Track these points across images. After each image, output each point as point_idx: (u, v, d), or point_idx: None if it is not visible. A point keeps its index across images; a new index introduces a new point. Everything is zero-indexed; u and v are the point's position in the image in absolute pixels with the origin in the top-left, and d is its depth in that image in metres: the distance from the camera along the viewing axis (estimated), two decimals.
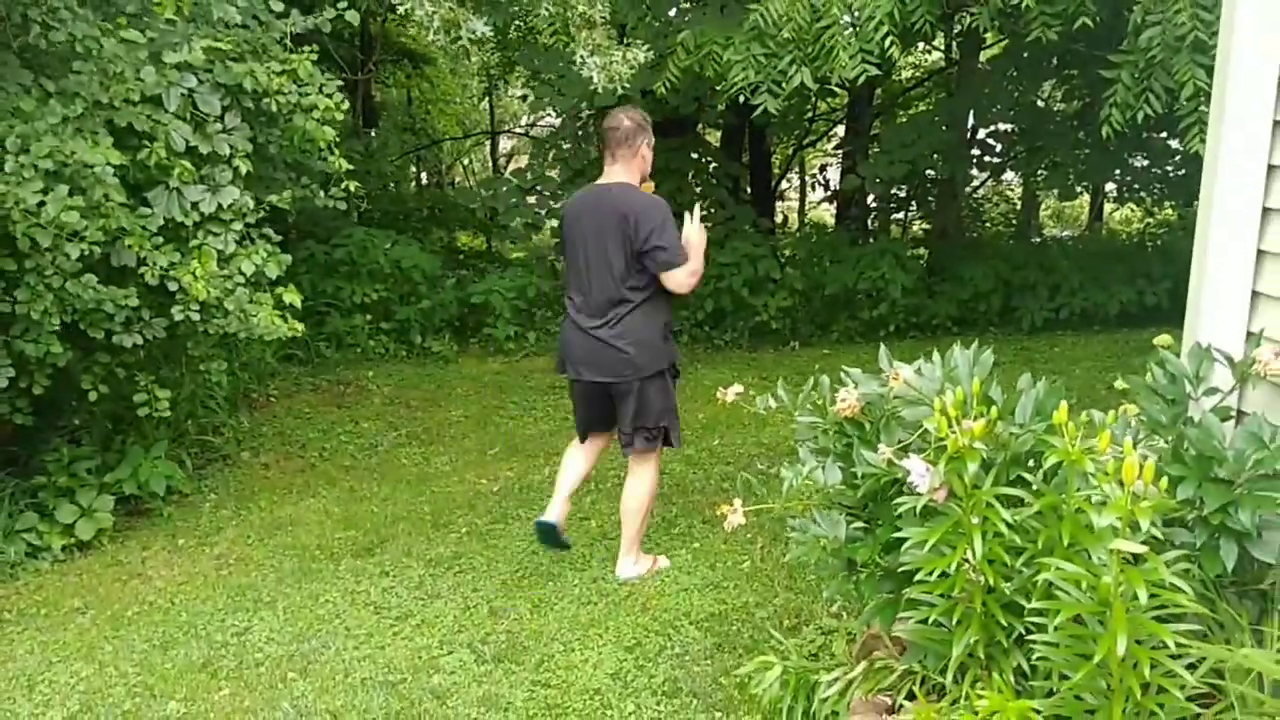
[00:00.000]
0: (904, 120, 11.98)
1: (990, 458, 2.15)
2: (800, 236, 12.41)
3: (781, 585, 3.60)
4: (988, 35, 8.79)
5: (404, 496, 5.23)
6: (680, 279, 3.61)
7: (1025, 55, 9.42)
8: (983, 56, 10.94)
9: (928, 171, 10.50)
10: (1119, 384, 2.45)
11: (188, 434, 5.77)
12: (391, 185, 12.36)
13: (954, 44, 11.61)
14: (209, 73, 4.53)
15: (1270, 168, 2.24)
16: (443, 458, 6.01)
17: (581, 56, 5.45)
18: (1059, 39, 5.88)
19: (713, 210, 10.22)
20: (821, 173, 16.18)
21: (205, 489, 5.49)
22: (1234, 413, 2.25)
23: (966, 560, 2.08)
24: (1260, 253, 2.27)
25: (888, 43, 5.52)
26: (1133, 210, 13.05)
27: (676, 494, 4.81)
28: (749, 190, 11.67)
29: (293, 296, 4.80)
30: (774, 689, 2.59)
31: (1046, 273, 9.25)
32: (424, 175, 16.54)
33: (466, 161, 18.68)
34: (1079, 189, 11.22)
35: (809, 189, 16.34)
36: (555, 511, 3.93)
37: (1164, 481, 1.83)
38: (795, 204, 17.41)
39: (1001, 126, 10.66)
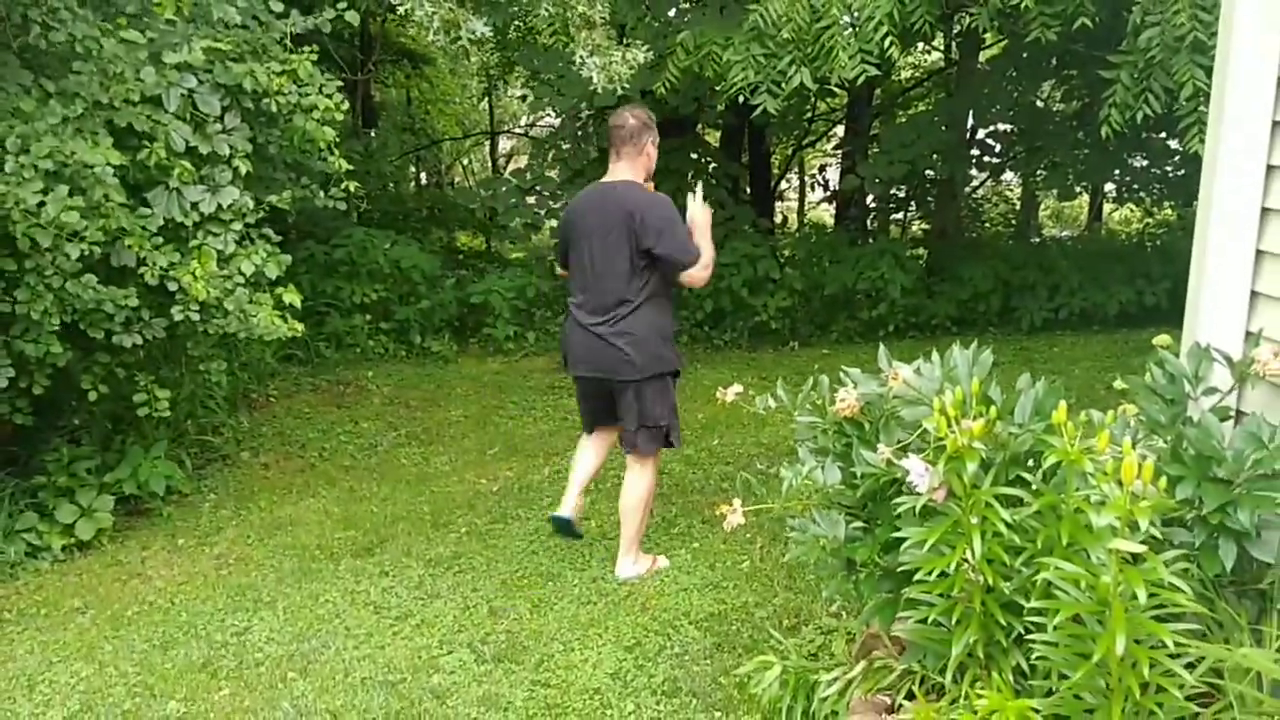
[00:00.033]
0: (903, 120, 11.98)
1: (989, 457, 2.15)
2: (800, 237, 12.41)
3: (781, 585, 3.60)
4: (987, 35, 8.79)
5: (404, 496, 5.24)
6: (695, 275, 3.67)
7: (1024, 55, 9.42)
8: (982, 57, 10.94)
9: (927, 172, 10.50)
10: (1118, 384, 2.45)
11: (187, 434, 5.78)
12: (391, 185, 12.36)
13: (953, 44, 11.62)
14: (209, 73, 4.53)
15: (1269, 168, 2.25)
16: (442, 458, 6.01)
17: (581, 57, 5.45)
18: (1058, 39, 5.89)
19: (713, 210, 10.19)
20: (821, 173, 16.18)
21: (205, 489, 5.49)
22: (1233, 412, 2.25)
23: (966, 560, 2.08)
24: (1259, 253, 2.28)
25: (887, 43, 5.52)
26: (1132, 210, 13.05)
27: (676, 494, 4.81)
28: (748, 190, 11.67)
29: (292, 296, 4.80)
30: (773, 689, 2.60)
31: (1046, 273, 9.25)
32: (423, 175, 16.54)
33: (466, 162, 18.69)
34: (1078, 189, 11.22)
35: (808, 189, 16.34)
36: (569, 505, 3.98)
37: (1163, 481, 1.83)
38: (795, 204, 17.41)
39: (1001, 127, 10.66)
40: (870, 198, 11.17)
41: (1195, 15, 4.81)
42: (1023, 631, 2.08)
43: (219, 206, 4.51)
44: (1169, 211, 11.09)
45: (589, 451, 4.01)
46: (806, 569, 3.49)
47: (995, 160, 11.26)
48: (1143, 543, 1.80)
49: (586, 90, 6.35)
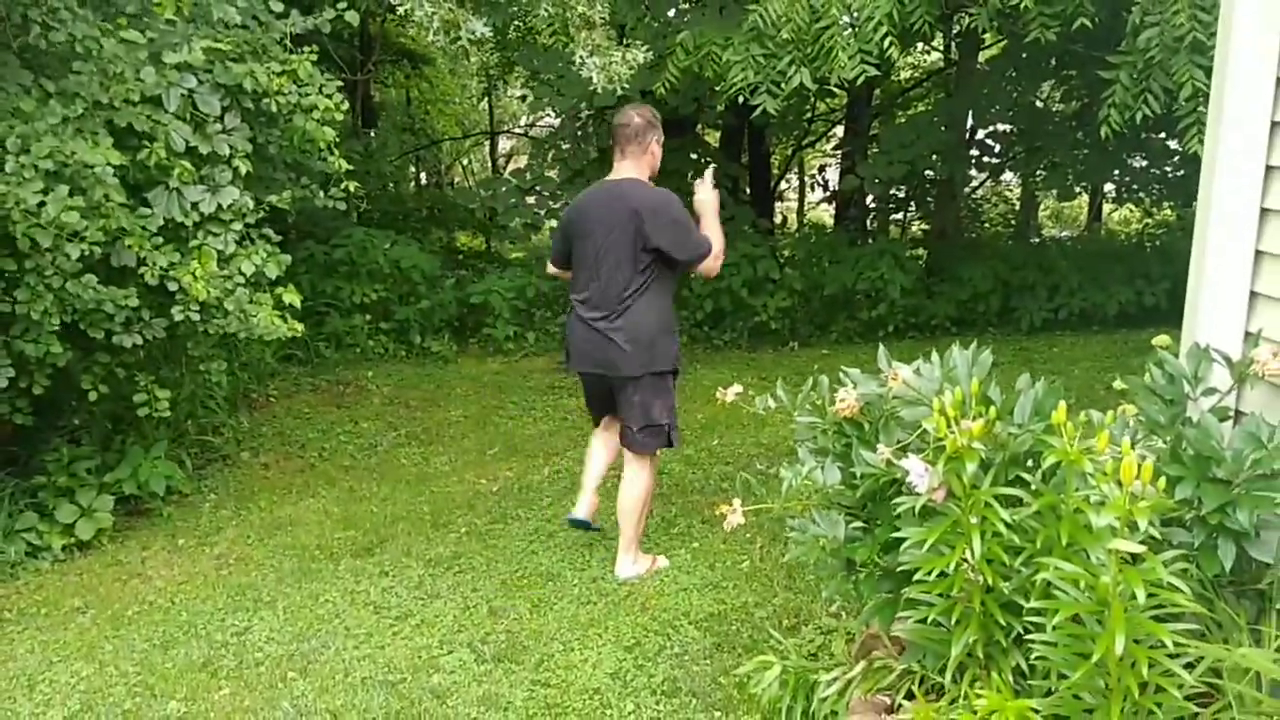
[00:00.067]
0: (903, 121, 11.97)
1: (989, 458, 2.15)
2: (799, 237, 12.41)
3: (781, 585, 3.60)
4: (986, 36, 8.79)
5: (403, 496, 5.24)
6: (708, 265, 3.74)
7: (1024, 56, 9.42)
8: (981, 57, 10.94)
9: (926, 172, 10.50)
10: (1117, 384, 2.45)
11: (187, 434, 5.78)
12: (391, 185, 12.36)
13: (953, 44, 11.61)
14: (209, 73, 4.53)
15: (1268, 168, 2.25)
16: (442, 458, 6.01)
17: (581, 57, 5.45)
18: (1058, 40, 5.89)
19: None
20: (820, 173, 16.18)
21: (205, 489, 5.49)
22: (1232, 413, 2.26)
23: (965, 560, 2.08)
24: (1258, 253, 2.28)
25: (887, 43, 5.52)
26: (1131, 211, 13.05)
27: (676, 494, 4.82)
28: (748, 191, 11.66)
29: (292, 297, 4.81)
30: (773, 688, 2.60)
31: (1045, 273, 9.25)
32: (423, 175, 16.54)
33: (466, 162, 18.69)
34: (1078, 189, 11.22)
35: (808, 189, 16.34)
36: (584, 507, 4.02)
37: (1162, 481, 1.84)
38: (794, 204, 17.41)
39: (1000, 127, 10.66)
40: (870, 198, 11.17)
41: (1194, 16, 4.82)
42: (1022, 631, 2.08)
43: (219, 206, 4.51)
44: (1168, 212, 11.10)
45: (600, 449, 4.04)
46: (806, 569, 3.49)
47: (995, 160, 11.26)
48: (1142, 543, 1.80)
49: (586, 90, 6.35)
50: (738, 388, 2.86)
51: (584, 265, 3.75)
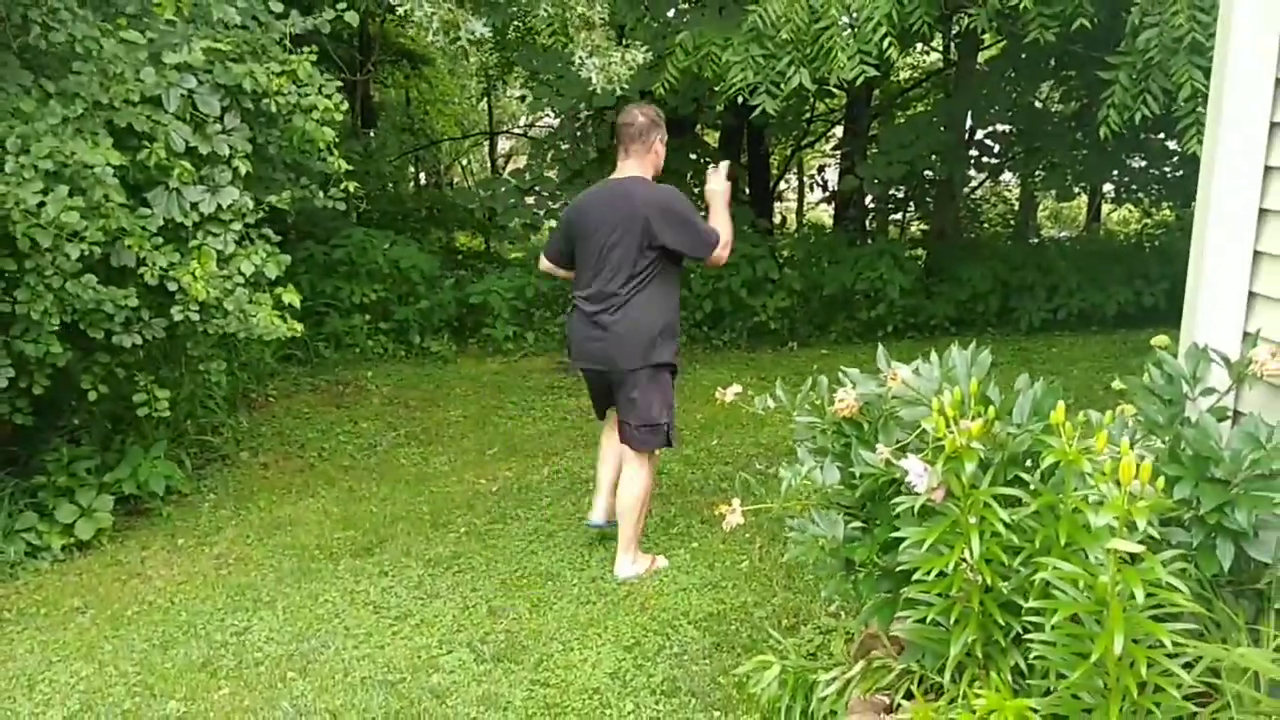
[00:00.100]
0: (902, 121, 11.98)
1: (988, 458, 2.15)
2: (798, 237, 12.41)
3: (780, 585, 3.61)
4: (986, 36, 8.80)
5: (403, 496, 5.24)
6: (717, 255, 3.81)
7: (1023, 56, 9.42)
8: (981, 57, 10.94)
9: (926, 172, 10.51)
10: (1116, 384, 2.46)
11: (187, 434, 5.78)
12: (390, 186, 12.36)
13: (952, 45, 11.62)
14: (209, 73, 4.53)
15: (1267, 169, 2.25)
16: (441, 458, 6.01)
17: (580, 57, 5.45)
18: (1057, 40, 5.89)
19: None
20: (820, 173, 16.18)
21: (204, 489, 5.49)
22: (1230, 413, 2.26)
23: (964, 560, 2.08)
24: (1257, 254, 2.28)
25: (886, 44, 5.53)
26: (1130, 211, 13.06)
27: (675, 494, 4.82)
28: (747, 191, 11.66)
29: (292, 297, 4.81)
30: (772, 688, 2.60)
31: (1044, 273, 9.26)
32: (422, 176, 16.54)
33: (465, 162, 18.69)
34: (1077, 190, 11.23)
35: (807, 190, 16.35)
36: (600, 511, 4.05)
37: (1161, 481, 1.84)
38: (794, 205, 17.40)
39: (999, 127, 10.67)
40: (869, 198, 11.18)
41: (1193, 16, 4.82)
42: (1021, 631, 2.08)
43: (219, 207, 4.51)
44: (1167, 212, 11.11)
45: (609, 452, 4.04)
46: (805, 569, 3.50)
47: (994, 161, 11.27)
48: (1140, 543, 1.80)
49: (585, 91, 6.35)
50: (737, 388, 2.87)
51: (587, 263, 3.77)
